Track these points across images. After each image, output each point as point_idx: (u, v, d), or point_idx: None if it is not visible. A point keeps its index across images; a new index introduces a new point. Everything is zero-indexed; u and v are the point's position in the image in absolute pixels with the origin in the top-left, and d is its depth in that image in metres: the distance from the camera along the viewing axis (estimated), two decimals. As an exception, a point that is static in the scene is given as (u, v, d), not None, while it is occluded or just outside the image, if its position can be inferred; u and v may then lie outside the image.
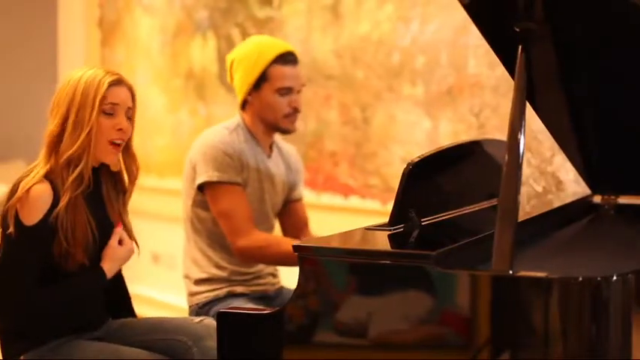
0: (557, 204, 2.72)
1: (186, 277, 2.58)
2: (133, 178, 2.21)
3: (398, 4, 3.39)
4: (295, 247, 1.67)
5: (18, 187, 2.01)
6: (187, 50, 4.52)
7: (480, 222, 2.22)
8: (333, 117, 3.64)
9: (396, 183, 3.40)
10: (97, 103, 2.04)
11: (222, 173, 2.44)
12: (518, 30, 1.67)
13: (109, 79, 2.07)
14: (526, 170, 2.71)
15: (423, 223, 1.90)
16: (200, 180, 2.46)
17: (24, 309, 2.02)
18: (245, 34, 4.12)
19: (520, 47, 1.66)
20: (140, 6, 4.86)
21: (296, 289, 1.67)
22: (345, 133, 3.60)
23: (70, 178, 2.03)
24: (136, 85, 5.21)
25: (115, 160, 2.13)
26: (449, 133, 3.24)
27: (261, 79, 2.48)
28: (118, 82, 2.10)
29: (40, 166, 2.05)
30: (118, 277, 2.29)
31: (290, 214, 2.68)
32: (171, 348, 2.09)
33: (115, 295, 2.28)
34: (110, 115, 2.07)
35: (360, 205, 3.58)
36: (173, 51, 4.63)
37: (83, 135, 2.03)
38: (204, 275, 2.52)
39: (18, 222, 1.99)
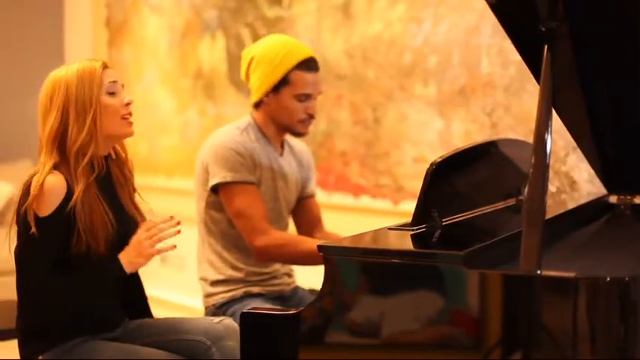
0: (570, 204, 2.71)
1: (202, 279, 2.57)
2: (124, 161, 2.23)
3: (410, 5, 3.38)
4: (320, 248, 1.67)
5: (29, 187, 2.01)
6: (196, 50, 4.51)
7: (499, 222, 2.21)
8: (344, 117, 3.63)
9: (407, 183, 3.44)
10: (97, 85, 2.07)
11: (236, 173, 2.42)
12: (543, 29, 1.66)
13: (98, 63, 2.12)
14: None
15: (444, 223, 1.90)
16: (213, 181, 2.44)
17: (40, 299, 2.02)
18: (255, 34, 4.11)
19: (546, 47, 1.65)
20: (147, 6, 4.85)
21: (321, 289, 1.67)
22: (356, 133, 3.60)
23: (81, 167, 2.05)
24: (144, 85, 5.26)
25: (131, 131, 2.15)
26: (461, 132, 3.24)
27: (282, 83, 2.47)
28: (106, 65, 2.14)
29: (46, 162, 2.05)
30: (135, 277, 2.28)
31: (303, 211, 2.67)
32: (191, 348, 2.09)
33: (132, 296, 2.27)
34: (113, 93, 2.11)
35: (371, 205, 3.57)
36: (181, 51, 4.62)
37: (89, 120, 2.05)
38: (220, 277, 2.51)
39: (33, 214, 2.00)
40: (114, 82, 2.12)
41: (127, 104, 2.13)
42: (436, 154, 3.31)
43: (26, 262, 2.05)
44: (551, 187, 2.93)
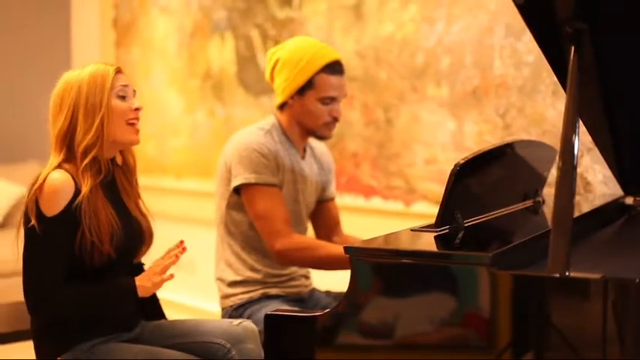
0: (584, 205, 2.71)
1: (219, 279, 2.57)
2: (131, 168, 2.24)
3: (422, 5, 3.38)
4: (347, 249, 1.66)
5: (33, 184, 2.03)
6: (205, 51, 4.51)
7: (518, 223, 2.21)
8: (356, 118, 3.62)
9: (418, 184, 3.44)
10: (108, 87, 2.09)
11: (259, 174, 2.42)
12: (570, 30, 1.65)
13: (112, 67, 2.13)
14: (553, 171, 2.69)
15: (466, 225, 1.90)
16: (236, 182, 2.44)
17: (51, 304, 2.01)
18: (265, 35, 4.11)
19: (573, 48, 1.64)
20: (156, 6, 4.85)
21: (348, 291, 1.66)
22: (368, 134, 3.59)
23: (87, 167, 2.05)
24: (152, 85, 5.25)
25: (136, 140, 2.16)
26: (474, 133, 3.23)
27: (307, 86, 2.46)
28: (119, 69, 2.15)
29: (52, 159, 2.08)
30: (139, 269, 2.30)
31: (322, 214, 2.67)
32: (210, 350, 2.08)
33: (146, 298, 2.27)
34: (123, 97, 2.12)
35: (382, 207, 3.57)
36: (190, 52, 4.61)
37: (97, 121, 2.06)
38: (238, 278, 2.50)
39: (39, 213, 2.00)
40: (125, 85, 2.13)
41: (136, 109, 2.13)
42: (448, 155, 3.31)
43: (35, 264, 2.03)
44: (565, 189, 2.92)
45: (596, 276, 1.53)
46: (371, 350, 1.65)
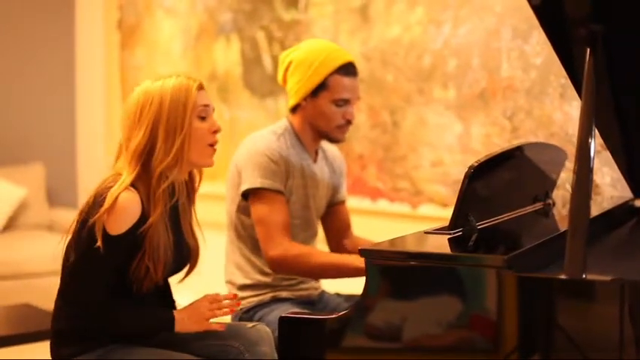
0: (593, 207, 2.71)
1: (229, 282, 2.56)
2: (196, 187, 2.20)
3: (429, 8, 3.38)
4: (362, 252, 1.66)
5: (102, 199, 1.94)
6: (210, 53, 4.51)
7: (529, 226, 2.21)
8: (362, 120, 3.62)
9: (425, 187, 3.44)
10: (190, 107, 1.99)
11: (265, 179, 2.40)
12: (586, 32, 1.65)
13: (195, 83, 2.03)
14: (562, 174, 2.70)
15: (479, 227, 1.90)
16: (244, 187, 2.43)
17: (91, 317, 2.00)
18: (270, 37, 4.11)
19: (588, 50, 1.64)
20: (161, 8, 4.85)
21: (363, 293, 1.66)
22: (374, 136, 3.59)
23: (162, 189, 1.98)
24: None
25: (212, 162, 2.09)
26: (481, 136, 3.23)
27: (321, 87, 2.44)
28: (202, 86, 2.06)
29: (126, 176, 1.98)
30: (165, 283, 2.29)
31: (333, 217, 2.66)
32: (224, 353, 2.07)
33: (163, 301, 2.26)
34: (204, 118, 2.04)
35: (388, 209, 3.57)
36: (195, 54, 4.61)
37: (177, 143, 1.98)
38: (248, 281, 2.50)
39: (103, 230, 1.94)
40: (207, 105, 2.04)
41: (215, 131, 2.06)
42: (455, 158, 3.31)
43: (83, 274, 1.99)
44: (573, 191, 2.93)
45: (614, 278, 1.53)
46: (387, 352, 1.65)
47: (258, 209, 2.40)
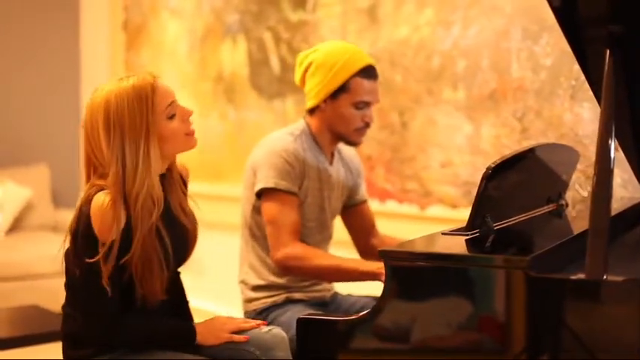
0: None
1: (243, 282, 2.56)
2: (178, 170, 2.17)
3: (438, 9, 3.38)
4: (381, 253, 1.66)
5: (86, 207, 1.95)
6: (217, 54, 4.50)
7: (543, 227, 2.21)
8: (370, 121, 3.61)
9: (434, 188, 3.43)
10: (152, 123, 1.95)
11: (280, 180, 2.40)
12: (605, 33, 1.65)
13: (147, 89, 1.97)
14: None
15: (495, 228, 1.90)
16: (258, 186, 2.43)
17: (104, 331, 2.00)
18: (278, 38, 4.10)
19: (608, 51, 1.64)
20: (167, 9, 4.84)
21: (382, 294, 1.66)
22: (383, 137, 3.58)
23: (140, 204, 1.94)
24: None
25: (194, 142, 2.05)
26: (491, 137, 3.23)
27: (341, 89, 2.44)
28: (156, 84, 2.00)
29: (110, 192, 1.95)
30: (177, 282, 2.29)
31: (356, 217, 2.66)
32: (240, 357, 2.06)
33: (175, 301, 2.26)
34: (173, 116, 2.01)
35: (397, 210, 3.56)
36: (201, 55, 4.60)
37: (141, 157, 1.94)
38: (261, 282, 2.50)
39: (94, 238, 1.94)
40: (170, 103, 2.00)
41: (188, 119, 2.03)
42: (464, 158, 3.31)
43: (90, 290, 1.97)
44: (584, 192, 2.93)
45: (631, 279, 1.53)
46: (408, 353, 1.64)
47: (269, 209, 2.41)
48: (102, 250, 1.91)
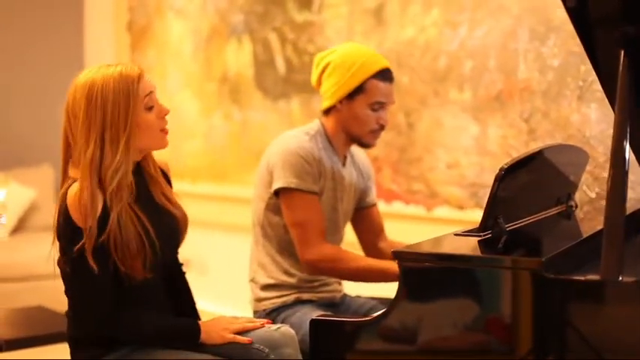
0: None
1: (252, 281, 2.56)
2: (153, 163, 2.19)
3: (445, 10, 3.37)
4: (395, 254, 1.65)
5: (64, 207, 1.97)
6: (221, 54, 4.50)
7: (552, 228, 2.21)
8: (376, 122, 3.61)
9: (440, 189, 3.43)
10: (133, 104, 1.99)
11: (300, 180, 2.40)
12: (619, 34, 1.65)
13: (134, 74, 2.01)
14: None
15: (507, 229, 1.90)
16: (277, 185, 2.42)
17: (112, 330, 2.02)
18: (283, 39, 4.10)
19: (622, 52, 1.63)
20: (172, 10, 4.84)
21: (397, 295, 1.65)
22: (389, 138, 3.58)
23: (112, 187, 1.98)
24: (168, 89, 5.23)
25: (166, 143, 2.09)
26: (498, 138, 3.22)
27: (357, 91, 2.45)
28: (142, 75, 2.04)
29: (83, 181, 1.97)
30: (183, 282, 2.31)
31: (365, 220, 2.66)
32: (249, 355, 2.05)
33: (181, 300, 2.26)
34: (151, 107, 2.05)
35: (403, 211, 3.56)
36: (206, 55, 4.60)
37: (122, 144, 1.98)
38: (271, 281, 2.49)
39: (76, 229, 1.96)
40: (150, 93, 2.04)
41: (164, 115, 2.07)
42: (471, 159, 3.30)
43: (84, 290, 2.01)
44: (591, 193, 2.92)
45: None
46: (422, 353, 1.64)
47: (294, 212, 2.41)
48: (86, 234, 1.94)
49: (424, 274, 1.64)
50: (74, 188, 1.98)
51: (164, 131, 2.08)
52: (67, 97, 2.05)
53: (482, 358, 1.61)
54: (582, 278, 1.56)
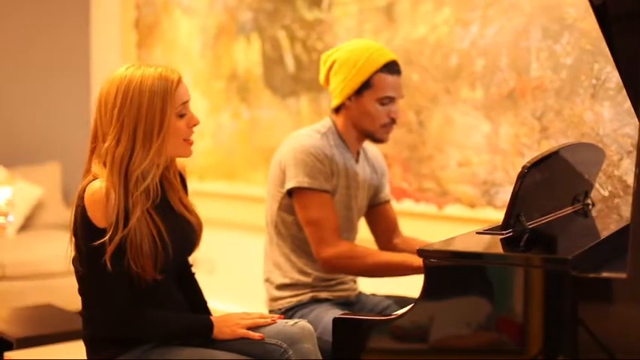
0: (624, 208, 2.70)
1: (267, 280, 2.55)
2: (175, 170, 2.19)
3: (456, 8, 3.37)
4: (420, 252, 1.65)
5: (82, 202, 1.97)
6: (230, 52, 4.49)
7: (571, 226, 2.20)
8: (387, 120, 3.60)
9: (451, 187, 3.42)
10: (169, 109, 1.99)
11: (313, 179, 2.40)
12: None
13: (175, 78, 2.02)
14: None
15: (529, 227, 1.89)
16: (289, 185, 2.42)
17: (122, 327, 2.02)
18: (292, 37, 4.10)
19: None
20: (179, 8, 4.83)
21: (421, 294, 1.65)
22: (399, 136, 3.58)
23: (139, 191, 1.98)
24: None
25: (190, 152, 2.09)
26: (510, 136, 3.22)
27: (365, 86, 2.44)
28: (180, 80, 2.04)
29: (107, 179, 1.97)
30: (193, 282, 2.32)
31: (379, 217, 2.66)
32: (267, 351, 2.05)
33: (193, 300, 2.27)
34: (183, 115, 2.04)
35: (414, 209, 3.55)
36: (214, 53, 4.59)
37: (155, 147, 1.98)
38: (287, 280, 2.49)
39: (94, 227, 1.95)
40: (186, 102, 2.04)
41: (193, 126, 2.06)
42: (482, 158, 3.30)
43: (100, 287, 2.00)
44: (604, 192, 2.92)
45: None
46: (448, 352, 1.64)
47: (308, 210, 2.41)
48: (108, 234, 1.93)
49: (450, 272, 1.64)
50: (94, 186, 1.97)
51: (188, 141, 2.07)
52: (101, 90, 2.04)
53: (512, 352, 1.60)
54: (609, 276, 1.55)
